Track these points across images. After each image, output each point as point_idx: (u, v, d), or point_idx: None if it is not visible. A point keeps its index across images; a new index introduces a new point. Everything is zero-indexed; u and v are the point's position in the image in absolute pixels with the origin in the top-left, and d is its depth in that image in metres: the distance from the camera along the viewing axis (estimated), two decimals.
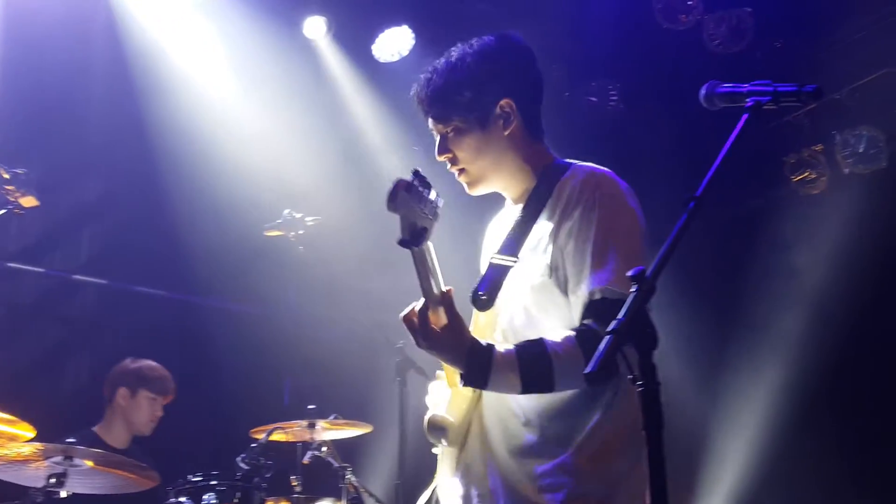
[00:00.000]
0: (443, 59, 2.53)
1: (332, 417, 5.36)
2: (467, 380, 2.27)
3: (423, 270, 2.18)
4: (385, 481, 5.98)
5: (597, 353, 1.94)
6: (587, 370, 1.92)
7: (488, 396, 2.45)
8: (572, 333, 2.27)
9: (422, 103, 2.53)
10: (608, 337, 1.96)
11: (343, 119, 6.84)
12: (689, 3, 6.47)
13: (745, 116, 2.29)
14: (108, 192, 6.79)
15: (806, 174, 6.88)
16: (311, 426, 5.27)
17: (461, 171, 2.56)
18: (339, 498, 5.20)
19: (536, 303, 2.38)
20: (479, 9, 6.68)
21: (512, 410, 2.40)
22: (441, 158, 2.55)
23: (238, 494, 4.90)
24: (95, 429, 5.53)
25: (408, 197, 2.10)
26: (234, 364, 6.62)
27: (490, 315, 2.47)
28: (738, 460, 6.65)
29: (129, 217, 6.59)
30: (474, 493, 2.46)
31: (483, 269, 2.47)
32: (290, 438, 5.37)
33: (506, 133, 2.48)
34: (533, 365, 2.23)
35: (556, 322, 2.35)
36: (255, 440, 5.09)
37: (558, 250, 2.35)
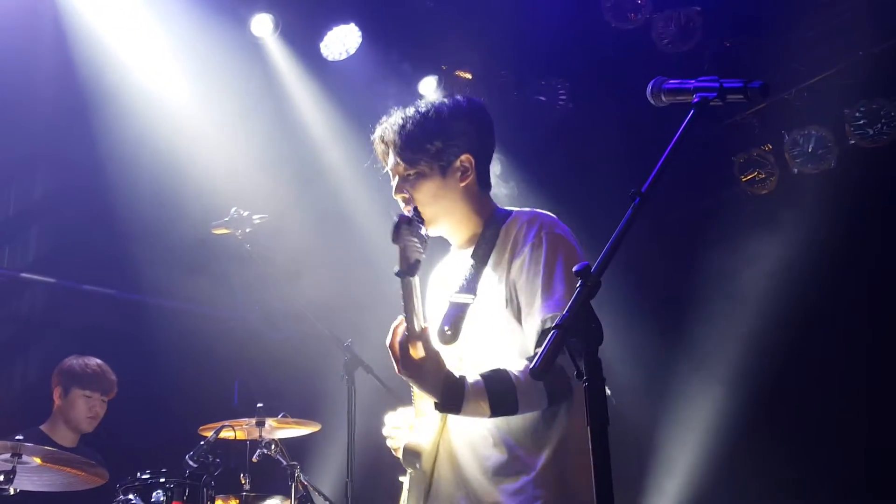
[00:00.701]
0: (412, 109, 2.76)
1: (280, 416, 5.33)
2: (443, 407, 2.45)
3: (410, 304, 2.37)
4: (334, 479, 5.97)
5: (542, 349, 1.96)
6: (532, 366, 1.96)
7: (456, 423, 2.62)
8: (528, 362, 2.47)
9: (390, 144, 2.75)
10: (553, 332, 1.98)
11: (291, 117, 6.80)
12: (639, 1, 6.52)
13: (691, 112, 2.30)
14: (55, 190, 6.68)
15: (755, 174, 6.95)
16: (260, 424, 5.24)
17: (418, 212, 2.68)
18: (287, 496, 5.17)
19: (494, 333, 2.59)
20: (427, 7, 6.68)
21: (481, 434, 2.59)
22: (398, 197, 2.75)
23: (186, 492, 4.87)
24: (43, 427, 5.48)
25: (409, 230, 2.33)
26: (183, 363, 6.55)
27: (452, 346, 2.62)
28: (683, 462, 6.72)
29: (77, 215, 6.49)
30: None
31: (438, 309, 2.67)
32: (239, 437, 5.33)
33: (462, 184, 2.72)
34: (499, 392, 2.43)
35: (512, 348, 2.56)
36: (204, 438, 5.05)
37: (511, 284, 2.57)
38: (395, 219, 2.32)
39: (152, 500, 4.77)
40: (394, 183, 2.80)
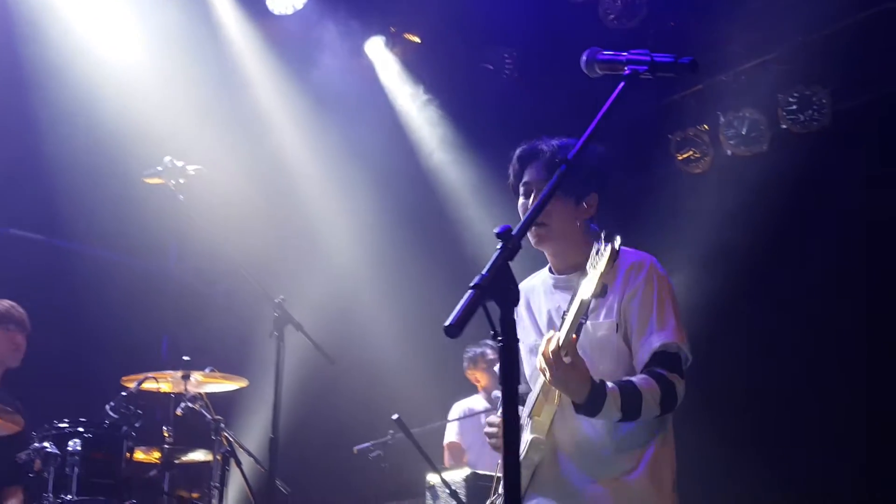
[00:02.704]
0: (571, 141, 3.04)
1: (207, 370, 5.32)
2: (585, 409, 2.76)
3: (575, 319, 2.70)
4: (258, 436, 5.97)
5: (458, 308, 1.98)
6: (447, 323, 1.98)
7: (563, 423, 2.94)
8: (648, 376, 2.84)
9: (545, 166, 3.04)
10: (471, 291, 2.01)
11: (233, 70, 6.72)
12: None
13: (621, 84, 2.37)
14: None
15: (690, 153, 7.04)
16: (186, 378, 5.22)
17: (542, 224, 3.01)
18: (211, 450, 5.18)
19: (605, 352, 2.93)
20: None
21: (589, 435, 2.93)
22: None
23: (105, 442, 4.84)
24: None
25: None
26: (112, 312, 6.48)
27: None
28: None
29: (10, 162, 6.35)
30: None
31: (541, 322, 3.10)
32: (164, 389, 5.31)
33: (585, 217, 3.06)
34: (629, 399, 2.77)
35: (619, 366, 2.92)
36: (127, 389, 5.01)
37: (623, 312, 2.93)
38: (608, 248, 2.65)
39: (68, 448, 4.71)
40: (528, 195, 3.08)
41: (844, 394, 6.12)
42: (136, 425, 4.93)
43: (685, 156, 7.03)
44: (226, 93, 6.67)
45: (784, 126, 6.59)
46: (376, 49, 7.33)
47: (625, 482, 2.88)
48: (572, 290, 2.92)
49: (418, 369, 6.76)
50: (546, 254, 3.12)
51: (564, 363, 2.69)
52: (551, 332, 2.80)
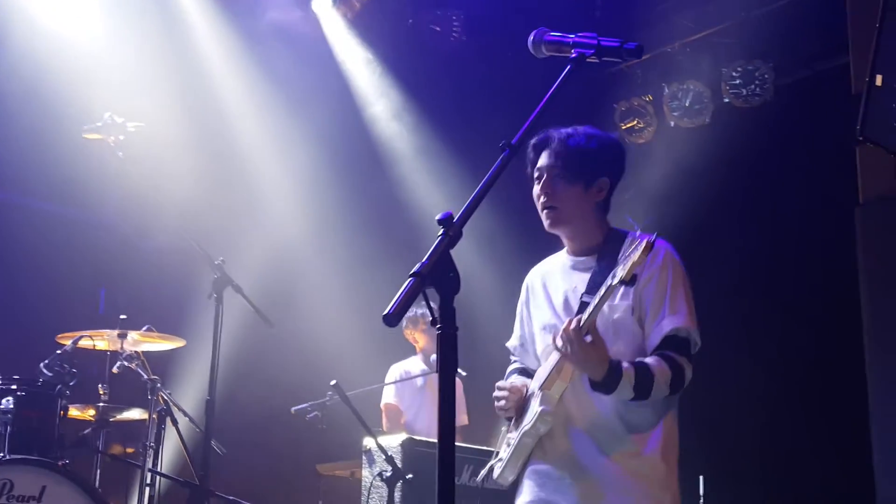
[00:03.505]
0: (581, 129, 3.20)
1: (144, 329, 5.28)
2: (600, 386, 2.88)
3: (601, 305, 2.86)
4: (195, 397, 5.95)
5: (397, 297, 2.00)
6: (386, 312, 1.99)
7: (575, 398, 3.03)
8: (659, 358, 2.95)
9: (555, 152, 3.15)
10: (410, 279, 2.02)
11: (175, 25, 6.58)
12: None
13: (568, 68, 2.40)
14: None
15: (634, 122, 7.10)
16: (123, 336, 5.18)
17: (552, 208, 3.12)
18: (147, 409, 5.16)
19: (619, 333, 3.03)
20: None
21: (600, 412, 3.01)
22: (543, 191, 3.15)
23: (39, 401, 4.79)
24: None
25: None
26: (47, 266, 6.38)
27: None
28: None
29: None
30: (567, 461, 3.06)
31: (556, 303, 3.20)
32: (100, 347, 5.26)
33: (595, 200, 3.15)
34: (642, 379, 2.89)
35: (632, 347, 3.02)
36: (62, 346, 4.96)
37: (638, 296, 3.03)
38: (645, 241, 2.72)
39: (0, 406, 4.67)
40: (539, 180, 3.18)
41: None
42: (71, 384, 4.88)
43: (629, 125, 7.09)
44: (168, 49, 6.53)
45: (727, 100, 6.67)
46: (322, 6, 7.23)
47: (637, 458, 2.99)
48: (590, 271, 3.12)
49: (357, 331, 6.77)
50: (562, 237, 3.23)
51: (585, 342, 2.83)
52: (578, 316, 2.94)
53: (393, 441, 5.22)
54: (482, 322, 6.76)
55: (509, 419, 3.17)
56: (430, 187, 7.28)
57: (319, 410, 5.77)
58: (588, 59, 2.43)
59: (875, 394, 5.41)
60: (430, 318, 2.09)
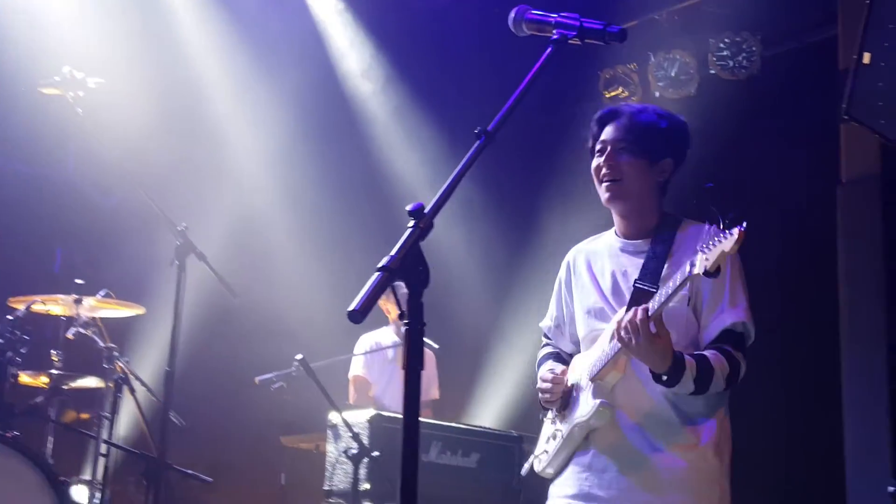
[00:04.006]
0: (651, 107, 3.19)
1: (102, 294, 5.08)
2: (664, 379, 2.82)
3: (674, 295, 2.76)
4: (153, 367, 5.76)
5: (363, 292, 1.94)
6: (351, 308, 1.94)
7: (627, 390, 2.96)
8: (717, 352, 2.89)
9: (623, 126, 3.08)
10: (378, 274, 1.96)
11: None
12: None
13: (549, 49, 2.34)
14: None
15: (618, 91, 6.94)
16: (79, 301, 4.99)
17: (615, 181, 3.03)
18: (103, 378, 4.98)
19: (673, 323, 2.90)
20: None
21: (653, 404, 2.95)
22: (607, 163, 3.06)
23: None
24: None
25: None
26: (1, 223, 6.14)
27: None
28: (514, 378, 6.81)
29: None
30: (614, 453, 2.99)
31: (605, 286, 3.10)
32: (54, 312, 5.06)
33: (658, 179, 3.09)
34: (704, 373, 2.84)
35: (686, 339, 2.96)
36: (13, 311, 4.76)
37: (695, 287, 2.95)
38: (738, 230, 2.63)
39: None
40: (603, 153, 3.09)
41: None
42: (22, 351, 4.69)
43: (613, 94, 6.92)
44: (131, 3, 6.26)
45: (713, 71, 6.52)
46: None
47: (693, 450, 2.94)
48: (643, 255, 3.04)
49: (326, 299, 6.57)
50: (615, 215, 3.14)
51: (651, 333, 2.75)
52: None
53: (360, 417, 5.08)
54: (454, 294, 6.63)
55: (546, 409, 3.11)
56: (405, 151, 7.07)
57: (285, 381, 5.57)
58: (570, 41, 2.39)
59: (849, 374, 5.37)
60: (399, 314, 2.02)
